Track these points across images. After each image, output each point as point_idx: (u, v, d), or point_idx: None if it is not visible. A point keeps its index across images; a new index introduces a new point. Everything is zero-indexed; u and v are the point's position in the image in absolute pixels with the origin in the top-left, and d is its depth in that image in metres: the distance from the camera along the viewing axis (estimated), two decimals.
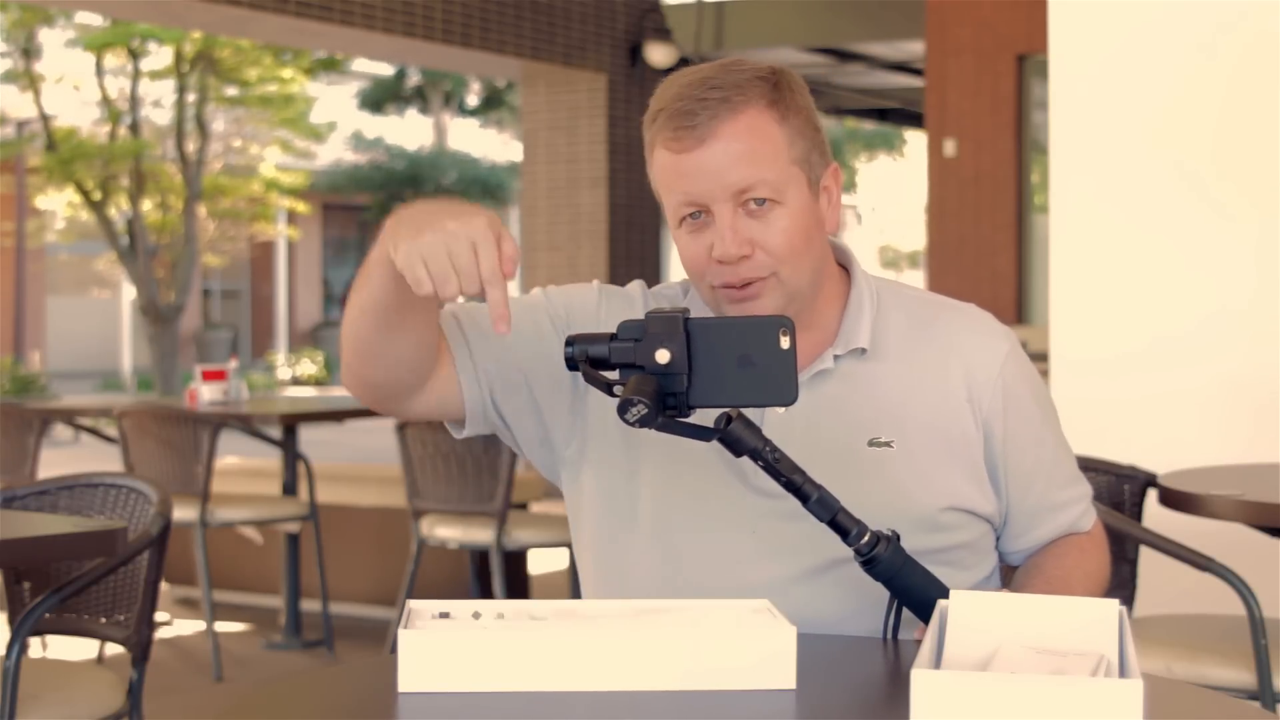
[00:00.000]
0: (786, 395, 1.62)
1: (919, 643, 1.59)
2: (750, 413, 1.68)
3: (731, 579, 1.81)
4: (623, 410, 1.59)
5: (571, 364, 1.66)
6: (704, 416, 1.67)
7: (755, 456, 1.65)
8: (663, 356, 1.61)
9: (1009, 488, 1.90)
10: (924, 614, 1.66)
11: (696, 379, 1.62)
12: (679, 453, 1.84)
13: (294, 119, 18.69)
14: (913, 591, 1.68)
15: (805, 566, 1.81)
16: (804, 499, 1.67)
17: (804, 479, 1.66)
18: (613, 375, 1.66)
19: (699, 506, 1.84)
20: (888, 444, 1.84)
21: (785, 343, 1.61)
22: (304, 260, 29.20)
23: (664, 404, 1.61)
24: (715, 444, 1.68)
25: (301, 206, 21.19)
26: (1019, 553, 1.96)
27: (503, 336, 1.68)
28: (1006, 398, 1.89)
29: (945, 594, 1.57)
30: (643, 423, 1.59)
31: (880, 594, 1.72)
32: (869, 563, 1.67)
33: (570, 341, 1.66)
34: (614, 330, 1.65)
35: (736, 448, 1.65)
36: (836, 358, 1.87)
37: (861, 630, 1.79)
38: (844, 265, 1.95)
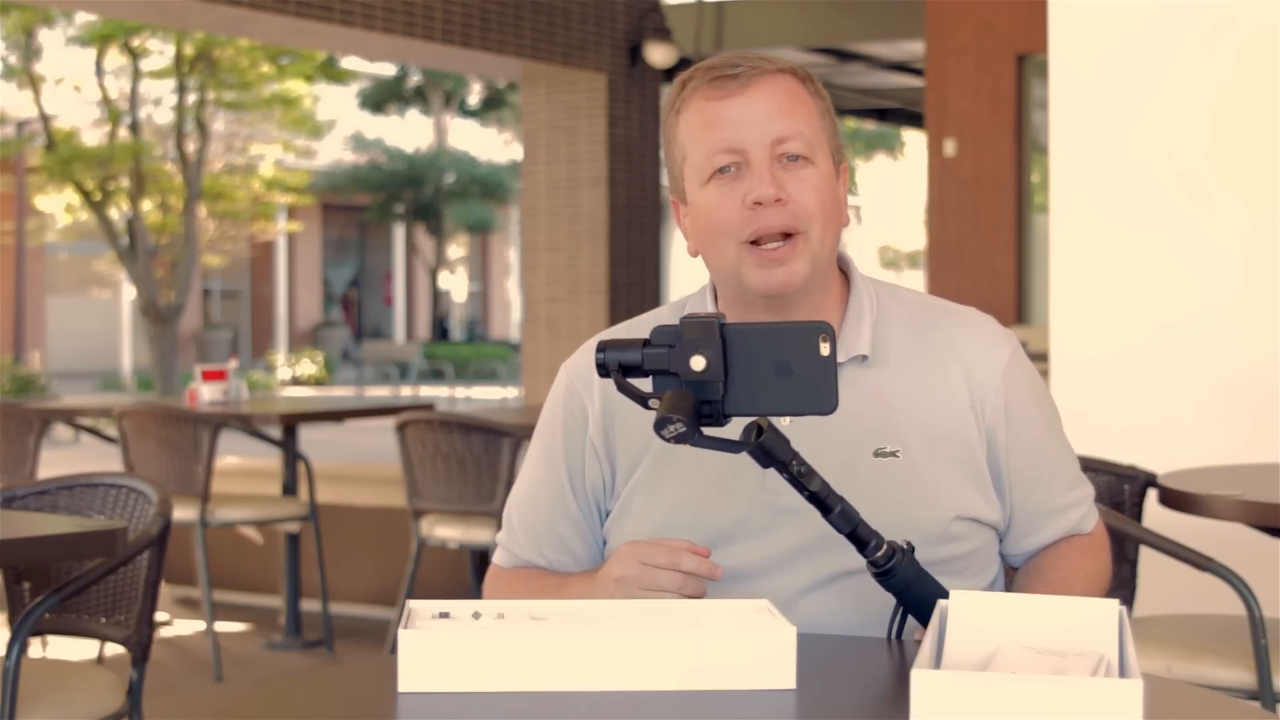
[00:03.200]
0: (827, 404, 1.58)
1: (919, 643, 1.58)
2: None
3: (741, 589, 1.80)
4: (659, 427, 1.56)
5: (603, 371, 1.63)
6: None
7: (783, 469, 1.63)
8: (698, 363, 1.57)
9: (1013, 492, 1.90)
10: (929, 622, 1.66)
11: (733, 387, 1.57)
12: (689, 466, 1.84)
13: (296, 119, 18.68)
14: (923, 603, 1.66)
15: (814, 577, 1.81)
16: (826, 511, 1.65)
17: (828, 492, 1.64)
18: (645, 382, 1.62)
19: (708, 518, 1.84)
20: (893, 454, 1.82)
21: (825, 349, 1.57)
22: (304, 260, 29.21)
23: (700, 416, 1.58)
24: (724, 456, 1.67)
25: (304, 200, 21.19)
26: (1021, 555, 1.95)
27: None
28: (1009, 403, 1.88)
29: None
30: (679, 439, 1.57)
31: (887, 605, 1.72)
32: (884, 574, 1.66)
33: (602, 348, 1.63)
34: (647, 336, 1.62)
35: (766, 460, 1.62)
36: (838, 365, 1.85)
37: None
38: (843, 271, 1.94)
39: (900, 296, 1.94)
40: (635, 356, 1.61)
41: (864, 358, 1.86)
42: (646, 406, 1.61)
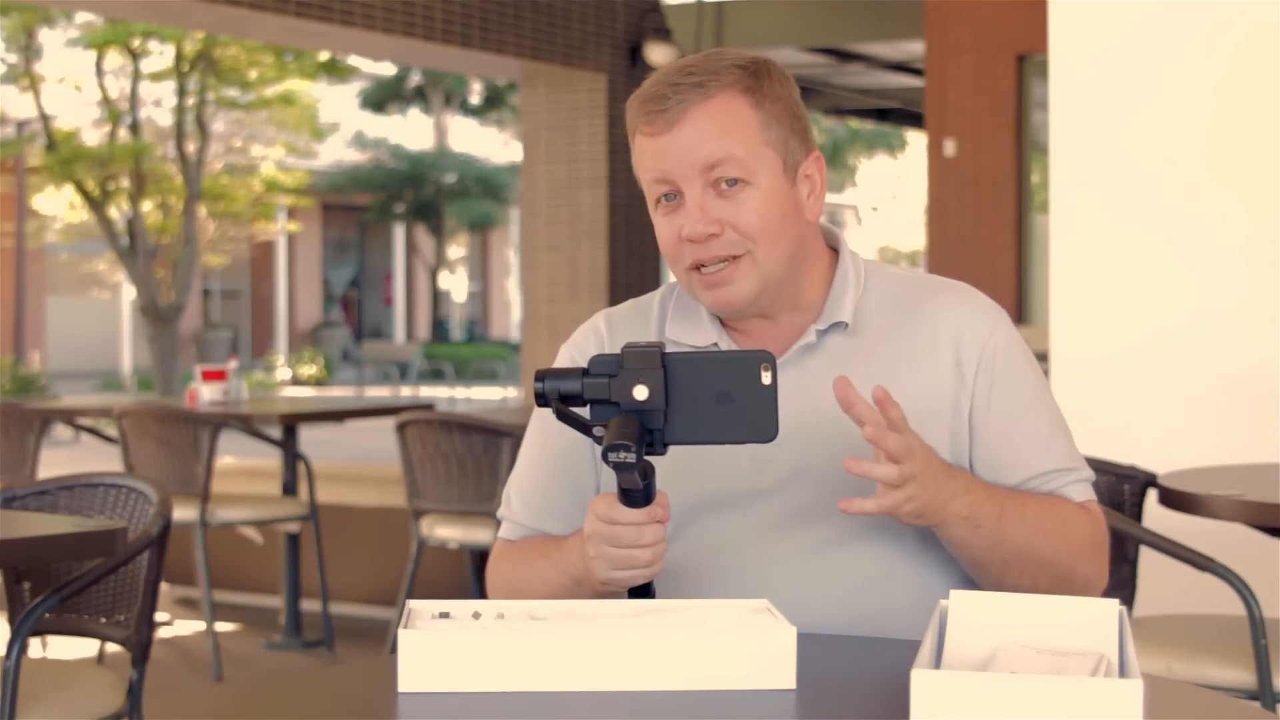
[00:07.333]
0: (766, 432, 1.59)
1: (913, 643, 1.59)
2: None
3: (723, 560, 1.83)
4: (607, 455, 1.57)
5: (542, 400, 1.64)
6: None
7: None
8: (640, 393, 1.58)
9: (998, 454, 1.84)
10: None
11: (674, 416, 1.59)
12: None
13: (297, 119, 18.68)
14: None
15: (796, 548, 1.83)
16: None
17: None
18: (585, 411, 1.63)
19: (690, 489, 1.85)
20: None
21: (766, 378, 1.58)
22: (304, 260, 29.21)
23: (646, 444, 1.59)
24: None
25: (304, 201, 21.20)
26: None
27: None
28: (996, 370, 1.86)
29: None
30: (623, 469, 1.58)
31: (873, 575, 1.75)
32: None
33: (540, 377, 1.64)
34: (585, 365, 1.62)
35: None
36: (819, 333, 1.86)
37: (854, 611, 1.80)
38: (833, 247, 1.95)
39: (889, 273, 1.95)
40: (575, 386, 1.61)
41: (844, 325, 1.87)
42: (589, 434, 1.62)
